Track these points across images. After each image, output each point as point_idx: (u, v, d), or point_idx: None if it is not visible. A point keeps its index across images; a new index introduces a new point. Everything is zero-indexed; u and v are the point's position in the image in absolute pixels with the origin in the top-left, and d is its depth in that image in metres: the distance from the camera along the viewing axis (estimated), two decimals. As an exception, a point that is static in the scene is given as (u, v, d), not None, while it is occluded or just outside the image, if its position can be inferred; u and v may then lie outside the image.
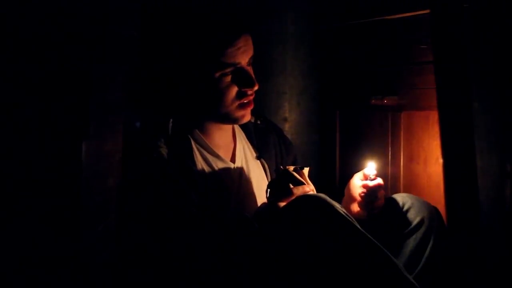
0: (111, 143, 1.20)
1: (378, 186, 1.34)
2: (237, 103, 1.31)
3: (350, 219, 1.10)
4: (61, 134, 0.99)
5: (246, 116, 1.34)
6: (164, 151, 1.27)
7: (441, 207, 1.33)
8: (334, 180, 2.00)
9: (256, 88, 1.32)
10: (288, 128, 1.92)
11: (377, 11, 1.81)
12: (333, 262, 1.07)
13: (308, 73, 1.96)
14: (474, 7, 1.23)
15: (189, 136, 1.34)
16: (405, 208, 1.32)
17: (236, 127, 1.47)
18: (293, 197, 1.20)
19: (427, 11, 1.54)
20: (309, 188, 1.26)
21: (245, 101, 1.32)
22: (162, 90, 1.48)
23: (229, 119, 1.34)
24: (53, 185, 0.99)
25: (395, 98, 1.78)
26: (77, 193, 1.00)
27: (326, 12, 1.98)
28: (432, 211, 1.31)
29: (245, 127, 1.49)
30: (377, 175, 1.36)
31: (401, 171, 1.77)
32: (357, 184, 1.38)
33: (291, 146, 1.58)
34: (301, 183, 1.25)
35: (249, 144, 1.47)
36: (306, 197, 1.15)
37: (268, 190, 1.28)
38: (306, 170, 1.29)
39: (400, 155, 1.77)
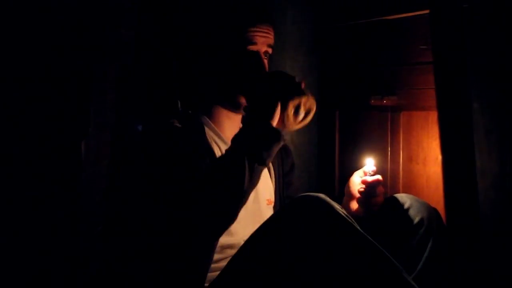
0: (111, 143, 1.20)
1: (376, 182, 1.34)
2: None
3: (349, 220, 1.10)
4: (61, 134, 1.00)
5: None
6: (177, 125, 1.25)
7: (440, 207, 1.34)
8: (334, 180, 2.00)
9: None
10: (287, 128, 1.92)
11: (376, 11, 1.81)
12: (331, 263, 1.07)
13: (308, 73, 1.96)
14: (474, 7, 1.23)
15: (202, 121, 1.33)
16: (404, 208, 1.32)
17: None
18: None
19: (427, 11, 1.54)
20: None
21: None
22: (172, 77, 1.49)
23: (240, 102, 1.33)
24: (53, 185, 1.00)
25: (395, 98, 1.78)
26: (77, 193, 1.00)
27: (326, 12, 1.98)
28: (432, 211, 1.31)
29: None
30: (376, 172, 1.37)
31: (400, 171, 1.77)
32: (357, 181, 1.38)
33: (290, 150, 1.58)
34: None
35: None
36: (305, 197, 1.15)
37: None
38: None
39: (400, 155, 1.77)
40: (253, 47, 1.29)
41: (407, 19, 1.73)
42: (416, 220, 1.29)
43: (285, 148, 1.55)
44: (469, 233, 1.23)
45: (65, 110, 1.01)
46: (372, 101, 1.82)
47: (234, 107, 1.34)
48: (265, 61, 1.32)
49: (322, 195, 1.13)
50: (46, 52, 1.00)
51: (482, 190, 1.21)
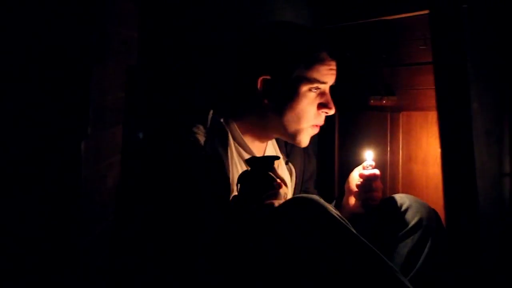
0: (111, 144, 1.20)
1: (373, 176, 1.35)
2: (311, 123, 1.33)
3: (343, 222, 1.10)
4: (61, 134, 0.99)
5: (308, 141, 1.37)
6: (201, 138, 1.26)
7: (440, 207, 1.34)
8: (333, 180, 2.00)
9: (332, 112, 1.34)
10: (287, 128, 1.92)
11: (376, 12, 1.81)
12: (326, 265, 1.07)
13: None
14: (473, 7, 1.23)
15: (227, 130, 1.34)
16: (403, 209, 1.32)
17: None
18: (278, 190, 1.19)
19: (426, 11, 1.55)
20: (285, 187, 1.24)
21: (317, 124, 1.35)
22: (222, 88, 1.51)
23: (294, 137, 1.34)
24: (52, 185, 0.99)
25: (394, 99, 1.78)
26: (77, 194, 1.00)
27: (325, 12, 1.98)
28: (431, 211, 1.31)
29: None
30: (375, 167, 1.37)
31: (400, 172, 1.77)
32: (356, 176, 1.39)
33: (313, 158, 1.58)
34: (277, 177, 1.23)
35: (278, 148, 1.48)
36: (299, 199, 1.15)
37: (239, 185, 1.23)
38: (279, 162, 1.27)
39: (399, 156, 1.77)
40: (323, 88, 1.32)
41: (406, 19, 1.73)
42: (415, 220, 1.29)
43: (309, 155, 1.55)
44: (469, 233, 1.23)
45: (65, 110, 1.00)
46: (372, 101, 1.82)
47: (282, 134, 1.35)
48: (329, 97, 1.33)
49: (315, 197, 1.13)
50: (45, 51, 1.00)
51: (481, 190, 1.21)
